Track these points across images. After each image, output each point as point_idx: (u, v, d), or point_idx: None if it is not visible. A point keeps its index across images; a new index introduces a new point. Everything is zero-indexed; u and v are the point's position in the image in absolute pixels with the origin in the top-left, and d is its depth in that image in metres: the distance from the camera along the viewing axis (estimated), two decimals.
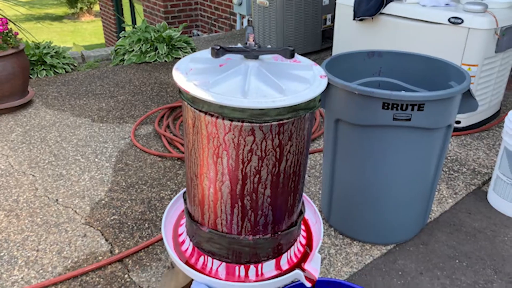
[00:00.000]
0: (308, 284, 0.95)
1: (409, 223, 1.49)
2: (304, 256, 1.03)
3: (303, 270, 0.98)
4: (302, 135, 0.84)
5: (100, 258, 1.43)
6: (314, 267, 0.99)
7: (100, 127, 2.35)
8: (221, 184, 0.85)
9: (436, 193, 1.78)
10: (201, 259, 0.98)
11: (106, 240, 1.52)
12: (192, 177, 0.90)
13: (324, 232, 1.57)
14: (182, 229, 1.07)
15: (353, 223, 1.51)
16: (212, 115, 0.78)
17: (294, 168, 0.88)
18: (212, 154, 0.82)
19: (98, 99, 2.73)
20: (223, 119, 0.77)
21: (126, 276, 1.36)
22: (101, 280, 1.34)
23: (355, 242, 1.52)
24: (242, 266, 0.95)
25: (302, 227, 1.11)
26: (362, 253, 1.47)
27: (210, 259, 0.96)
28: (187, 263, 0.99)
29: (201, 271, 0.97)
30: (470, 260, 1.44)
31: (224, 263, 0.95)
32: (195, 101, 0.79)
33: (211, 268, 0.97)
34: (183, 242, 1.04)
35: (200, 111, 0.79)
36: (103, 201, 1.73)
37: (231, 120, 0.77)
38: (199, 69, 0.83)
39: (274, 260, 0.97)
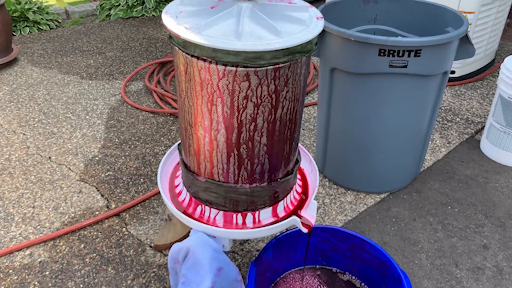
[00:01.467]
0: (304, 230, 0.96)
1: (403, 172, 1.51)
2: (300, 204, 1.04)
3: (299, 216, 0.99)
4: (298, 80, 0.82)
5: (97, 213, 1.44)
6: (310, 213, 1.00)
7: (89, 84, 2.30)
8: (216, 133, 0.84)
9: (430, 142, 1.79)
10: (199, 208, 0.98)
11: (102, 195, 1.52)
12: (187, 127, 0.89)
13: (318, 182, 1.59)
14: (178, 180, 1.07)
15: (347, 173, 1.52)
16: (205, 60, 0.75)
17: (290, 116, 0.87)
18: (206, 102, 0.80)
19: (86, 56, 2.65)
20: (216, 64, 0.74)
21: (123, 229, 1.37)
22: (99, 234, 1.36)
23: (349, 192, 1.54)
24: (240, 214, 0.96)
25: (298, 176, 1.12)
26: (356, 201, 1.49)
27: (207, 208, 0.97)
28: (184, 213, 0.99)
29: (199, 220, 0.97)
30: (462, 206, 1.47)
31: (221, 212, 0.96)
32: (186, 46, 0.76)
33: (209, 217, 0.97)
34: (179, 193, 1.04)
35: (192, 56, 0.76)
36: (96, 158, 1.72)
37: (225, 65, 0.74)
38: (189, 11, 0.79)
39: (271, 208, 0.98)
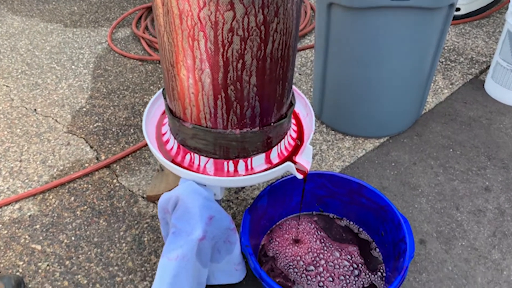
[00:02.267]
0: (299, 176, 0.91)
1: (403, 115, 1.44)
2: (295, 150, 0.99)
3: (294, 162, 0.94)
4: (290, 10, 0.73)
5: (86, 165, 1.39)
6: (305, 159, 0.94)
7: (74, 33, 2.18)
8: (200, 73, 0.76)
9: (432, 84, 1.71)
10: (188, 156, 0.93)
11: (91, 147, 1.46)
12: (168, 68, 0.81)
13: (315, 129, 1.53)
14: (166, 128, 1.00)
15: (345, 118, 1.45)
16: None
17: (282, 52, 0.79)
18: (187, 37, 0.72)
19: (69, 2, 2.50)
20: None
21: (114, 181, 1.33)
22: (90, 186, 1.32)
23: (347, 137, 1.48)
24: (231, 161, 0.90)
25: (293, 120, 1.05)
26: (355, 147, 1.44)
27: (196, 156, 0.91)
28: (173, 161, 0.94)
29: (189, 168, 0.92)
30: (464, 149, 1.42)
31: (211, 159, 0.91)
32: None
33: (199, 165, 0.92)
34: (167, 141, 0.98)
35: None
36: (84, 109, 1.64)
37: None
38: None
39: (263, 154, 0.92)
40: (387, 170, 1.35)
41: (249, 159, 0.91)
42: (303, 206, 1.16)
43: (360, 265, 1.05)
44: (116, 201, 1.27)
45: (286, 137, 0.97)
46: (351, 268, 1.04)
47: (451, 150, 1.42)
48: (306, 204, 1.16)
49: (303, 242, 1.10)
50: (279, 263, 1.05)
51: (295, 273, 1.03)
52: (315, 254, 1.07)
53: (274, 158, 0.95)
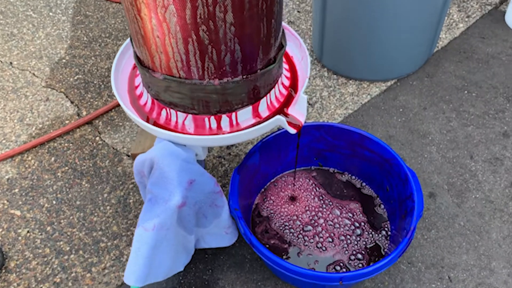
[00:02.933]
0: (292, 131, 0.80)
1: (412, 54, 1.29)
2: (288, 100, 0.86)
3: (286, 115, 0.82)
4: None
5: (67, 122, 1.28)
6: (299, 110, 0.82)
7: None
8: (164, 11, 0.63)
9: (445, 17, 1.53)
10: (163, 113, 0.81)
11: (72, 102, 1.35)
12: (128, 7, 0.67)
13: (315, 74, 1.39)
14: (139, 80, 0.88)
15: (348, 60, 1.31)
16: None
17: None
18: None
19: None
20: None
21: (97, 138, 1.23)
22: (71, 145, 1.22)
23: (351, 82, 1.34)
24: (213, 117, 0.79)
25: (285, 65, 0.92)
26: (359, 92, 1.31)
27: (173, 112, 0.80)
28: (148, 119, 0.82)
29: (165, 126, 0.81)
30: (480, 90, 1.28)
31: (190, 115, 0.79)
32: None
33: (176, 122, 0.81)
34: (140, 95, 0.86)
35: None
36: (63, 60, 1.51)
37: None
38: None
39: (250, 107, 0.80)
40: (394, 117, 1.23)
41: (233, 114, 0.79)
42: (300, 161, 1.06)
43: (362, 223, 0.96)
44: (99, 161, 1.17)
45: (276, 86, 0.84)
46: (353, 227, 0.95)
47: (465, 92, 1.28)
48: (303, 159, 1.06)
49: (300, 200, 1.00)
50: (274, 223, 0.97)
51: (291, 234, 0.95)
52: (313, 213, 0.98)
53: (263, 111, 0.83)
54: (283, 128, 0.94)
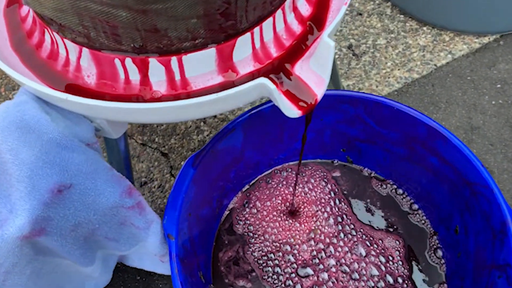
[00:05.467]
0: (293, 112, 0.38)
1: None
2: (300, 46, 0.43)
3: (288, 76, 0.40)
4: None
5: None
6: (316, 71, 0.40)
7: None
8: None
9: None
10: (47, 37, 0.41)
11: None
12: None
13: (371, 9, 0.91)
14: None
15: None
16: None
17: None
18: None
19: None
20: None
21: None
22: None
23: (425, 29, 0.87)
24: (130, 60, 0.38)
25: None
26: (435, 47, 0.84)
27: (59, 38, 0.39)
28: (18, 50, 0.43)
29: (47, 64, 0.41)
30: None
31: (87, 50, 0.38)
32: None
33: (67, 59, 0.40)
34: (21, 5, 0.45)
35: None
36: None
37: None
38: None
39: (213, 51, 0.38)
40: (486, 96, 0.76)
41: (174, 60, 0.38)
42: (317, 150, 0.65)
43: (401, 279, 0.55)
44: None
45: (280, 12, 0.41)
46: (382, 284, 0.55)
47: None
48: (322, 147, 0.64)
49: (303, 216, 0.61)
50: (252, 249, 0.58)
51: (274, 277, 0.56)
52: (320, 244, 0.58)
53: (244, 63, 0.41)
54: (266, 104, 0.51)
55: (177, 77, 0.39)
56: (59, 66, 0.41)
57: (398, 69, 0.81)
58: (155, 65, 0.38)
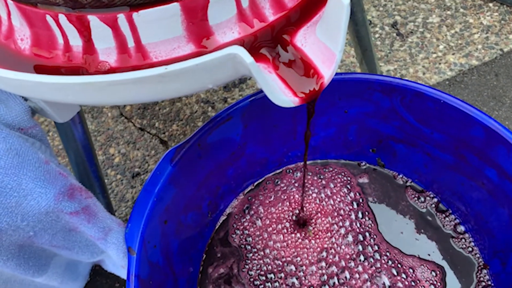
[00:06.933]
0: (287, 100, 0.27)
1: None
2: (304, 9, 0.31)
3: (284, 47, 0.28)
4: None
5: None
6: (324, 42, 0.28)
7: None
8: None
9: None
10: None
11: None
12: None
13: None
14: None
15: None
16: None
17: None
18: None
19: None
20: None
21: None
22: None
23: (491, 5, 0.70)
24: (63, 16, 0.28)
25: None
26: (502, 27, 0.68)
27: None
28: None
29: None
30: None
31: (13, 4, 0.29)
32: None
33: (10, 28, 0.31)
34: None
35: None
36: None
37: None
38: None
39: (177, 6, 0.27)
40: None
41: (123, 17, 0.27)
42: (339, 147, 0.52)
43: None
44: None
45: None
46: None
47: None
48: (346, 145, 0.52)
49: (316, 230, 0.49)
50: (248, 267, 0.47)
51: None
52: (333, 268, 0.46)
53: (228, 26, 0.29)
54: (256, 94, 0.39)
55: (130, 43, 0.29)
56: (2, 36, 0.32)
57: (453, 54, 0.66)
58: (97, 24, 0.28)
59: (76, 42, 0.29)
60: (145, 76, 0.24)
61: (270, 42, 0.30)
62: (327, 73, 0.28)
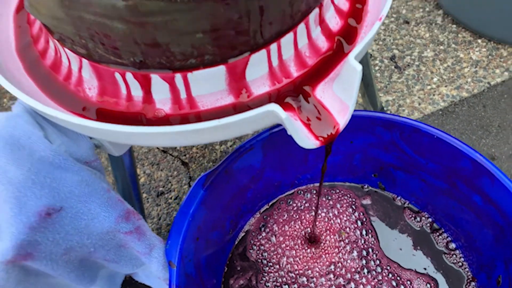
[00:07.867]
0: (309, 143, 0.33)
1: None
2: (322, 67, 0.38)
3: (306, 98, 0.35)
4: None
5: None
6: (339, 96, 0.35)
7: None
8: None
9: None
10: (51, 45, 0.39)
11: None
12: None
13: (420, 17, 0.84)
14: None
15: (484, 3, 0.74)
16: None
17: None
18: None
19: None
20: None
21: None
22: None
23: (479, 41, 0.78)
24: (130, 74, 0.34)
25: None
26: (490, 62, 0.75)
27: (62, 50, 0.36)
28: (22, 57, 0.41)
29: (52, 75, 0.39)
30: None
31: (86, 62, 0.35)
32: None
33: (69, 69, 0.38)
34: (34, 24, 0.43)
35: None
36: None
37: None
38: None
39: (223, 68, 0.34)
40: None
41: (178, 77, 0.34)
42: (346, 173, 0.59)
43: None
44: None
45: (302, 25, 0.36)
46: None
47: None
48: (352, 170, 0.58)
49: (324, 246, 0.55)
50: (265, 279, 0.54)
51: None
52: (340, 280, 0.53)
53: (258, 82, 0.36)
54: (276, 127, 0.46)
55: (183, 95, 0.35)
56: (61, 76, 0.38)
57: (445, 86, 0.73)
58: (158, 81, 0.34)
59: (137, 93, 0.36)
60: (202, 128, 0.31)
61: (293, 93, 0.37)
62: (342, 121, 0.34)
